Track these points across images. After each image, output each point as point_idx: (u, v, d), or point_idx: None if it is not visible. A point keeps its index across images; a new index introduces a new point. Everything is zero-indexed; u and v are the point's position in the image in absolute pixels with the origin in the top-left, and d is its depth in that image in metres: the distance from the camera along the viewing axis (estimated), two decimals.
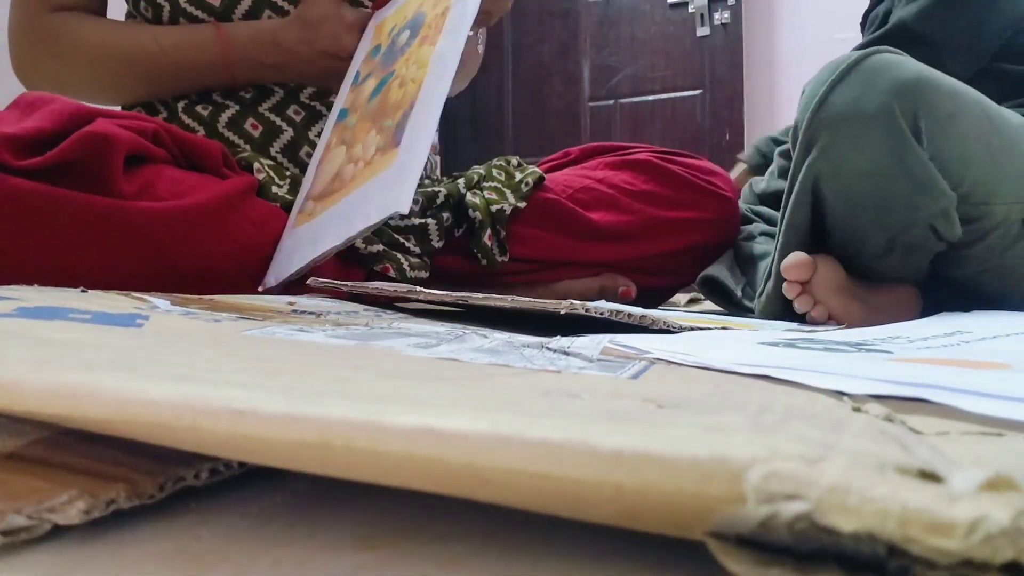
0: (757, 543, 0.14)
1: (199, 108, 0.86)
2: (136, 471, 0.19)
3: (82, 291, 0.50)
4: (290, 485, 0.21)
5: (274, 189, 0.77)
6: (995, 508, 0.12)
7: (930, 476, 0.13)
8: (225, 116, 0.85)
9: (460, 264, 0.84)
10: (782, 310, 0.74)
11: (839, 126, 0.68)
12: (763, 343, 0.44)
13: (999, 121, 0.71)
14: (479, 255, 0.83)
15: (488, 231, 0.83)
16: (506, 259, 0.85)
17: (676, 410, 0.19)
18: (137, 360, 0.22)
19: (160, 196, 0.65)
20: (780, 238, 0.75)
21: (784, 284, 0.72)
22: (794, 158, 0.72)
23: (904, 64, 0.68)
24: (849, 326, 0.66)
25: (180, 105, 0.86)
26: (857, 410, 0.27)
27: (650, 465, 0.13)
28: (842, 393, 0.29)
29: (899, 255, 0.71)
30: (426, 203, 0.84)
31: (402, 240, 0.81)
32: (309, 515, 0.19)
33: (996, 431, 0.23)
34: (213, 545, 0.17)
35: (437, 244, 0.83)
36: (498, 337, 0.43)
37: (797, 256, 0.71)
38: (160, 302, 0.44)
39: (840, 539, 0.13)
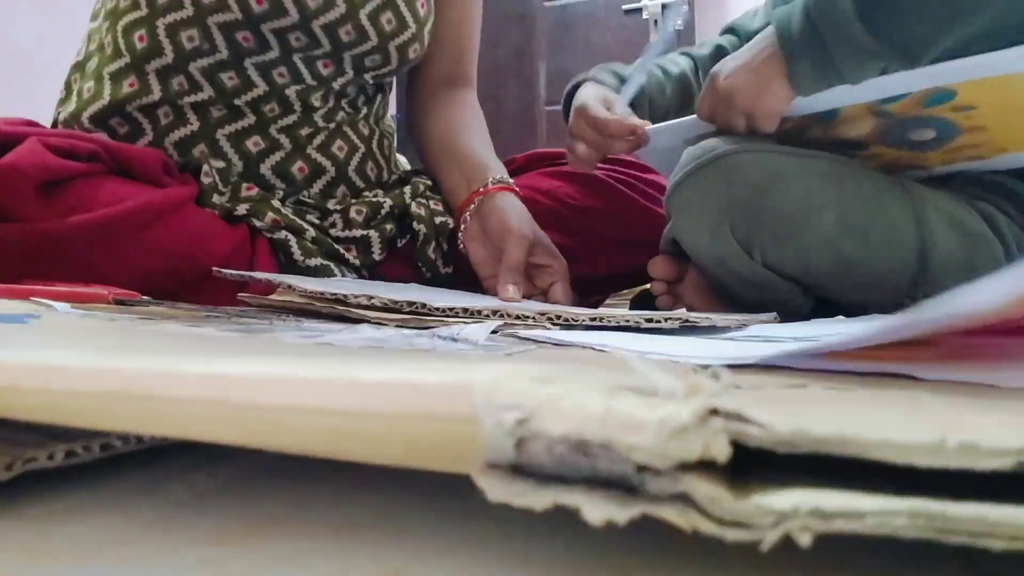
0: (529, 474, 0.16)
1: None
2: None
3: None
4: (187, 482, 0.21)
5: (215, 197, 0.75)
6: (682, 409, 0.14)
7: (651, 393, 0.15)
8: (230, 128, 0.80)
9: (403, 273, 0.83)
10: None
11: (683, 219, 0.69)
12: None
13: (860, 223, 0.66)
14: (423, 267, 0.84)
15: (432, 244, 0.83)
16: (450, 270, 0.85)
17: None
18: None
19: (96, 209, 0.64)
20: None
21: (652, 283, 0.74)
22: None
23: (750, 174, 0.65)
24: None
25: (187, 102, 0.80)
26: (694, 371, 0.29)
27: (404, 391, 0.15)
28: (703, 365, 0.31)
29: (760, 296, 0.71)
30: (370, 214, 0.83)
31: (342, 251, 0.80)
32: (169, 513, 0.19)
33: (802, 383, 0.25)
34: (62, 542, 0.17)
35: (379, 256, 0.82)
36: (397, 330, 0.44)
37: (664, 257, 0.73)
38: (61, 306, 0.45)
39: (596, 462, 0.15)
